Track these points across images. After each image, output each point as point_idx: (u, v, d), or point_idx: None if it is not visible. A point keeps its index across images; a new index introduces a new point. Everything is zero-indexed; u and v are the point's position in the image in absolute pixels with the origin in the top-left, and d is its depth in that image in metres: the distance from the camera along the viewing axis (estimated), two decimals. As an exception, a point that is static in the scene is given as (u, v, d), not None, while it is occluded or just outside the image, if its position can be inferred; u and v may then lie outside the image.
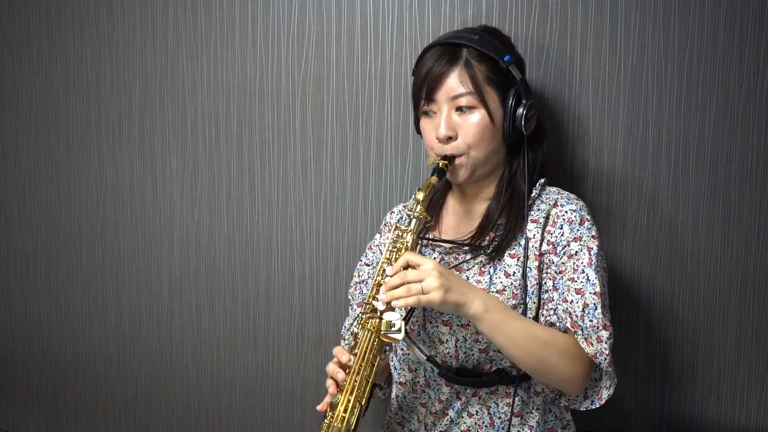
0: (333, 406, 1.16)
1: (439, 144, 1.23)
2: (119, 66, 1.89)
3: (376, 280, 1.19)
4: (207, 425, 1.93)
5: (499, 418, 1.24)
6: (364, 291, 1.40)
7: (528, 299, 1.20)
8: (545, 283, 1.21)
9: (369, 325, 1.16)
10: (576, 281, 1.18)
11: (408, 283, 1.09)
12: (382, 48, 1.61)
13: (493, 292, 1.20)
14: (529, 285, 1.20)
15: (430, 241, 1.30)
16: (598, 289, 1.16)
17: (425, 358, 1.22)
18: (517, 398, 1.24)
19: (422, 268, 1.10)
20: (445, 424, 1.28)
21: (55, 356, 2.11)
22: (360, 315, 1.20)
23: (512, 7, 1.48)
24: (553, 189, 1.28)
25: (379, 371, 1.22)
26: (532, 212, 1.24)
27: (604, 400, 1.18)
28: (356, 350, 1.17)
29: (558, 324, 1.18)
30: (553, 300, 1.19)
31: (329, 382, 1.18)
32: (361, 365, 1.16)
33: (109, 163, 1.95)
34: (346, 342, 1.42)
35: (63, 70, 1.97)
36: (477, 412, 1.25)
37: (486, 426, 1.25)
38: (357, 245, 1.70)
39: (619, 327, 1.50)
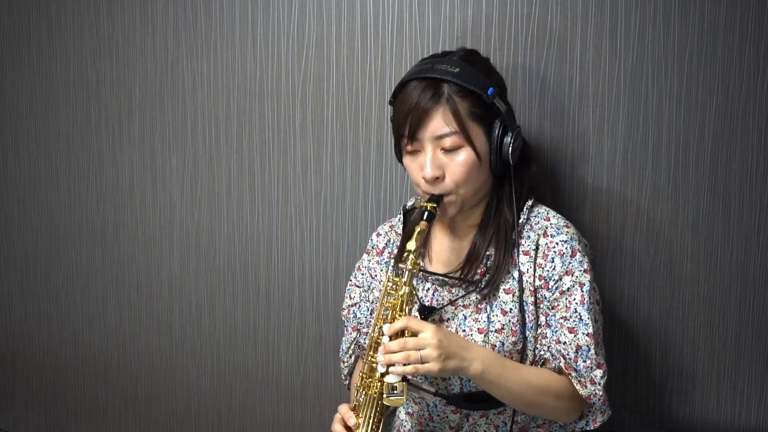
0: None
1: (426, 183, 1.20)
2: (119, 66, 1.89)
3: (373, 338, 1.19)
4: (207, 425, 1.93)
5: None
6: (357, 315, 1.40)
7: (528, 333, 1.21)
8: (538, 317, 1.22)
9: (371, 390, 1.18)
10: (569, 320, 1.18)
11: (407, 350, 1.09)
12: (382, 48, 1.60)
13: (492, 331, 1.20)
14: (527, 320, 1.21)
15: (422, 272, 1.29)
16: (591, 330, 1.17)
17: (433, 394, 1.23)
18: (522, 415, 1.26)
19: (422, 336, 1.10)
20: None
21: (55, 356, 2.11)
22: (360, 374, 1.22)
23: (512, 7, 1.48)
24: (542, 211, 1.27)
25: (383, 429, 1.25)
26: (522, 242, 1.23)
27: (598, 424, 1.21)
28: (361, 414, 1.20)
29: (552, 362, 1.19)
30: (547, 337, 1.20)
31: None
32: (366, 428, 1.19)
33: (109, 163, 1.95)
34: (345, 365, 1.45)
35: (63, 70, 1.97)
36: (485, 431, 1.26)
37: None
38: (357, 245, 1.70)
39: (618, 327, 1.50)
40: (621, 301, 1.50)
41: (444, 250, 1.31)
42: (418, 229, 1.15)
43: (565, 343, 1.18)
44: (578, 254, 1.20)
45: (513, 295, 1.21)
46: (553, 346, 1.19)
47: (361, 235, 1.69)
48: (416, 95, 1.17)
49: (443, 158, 1.18)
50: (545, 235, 1.22)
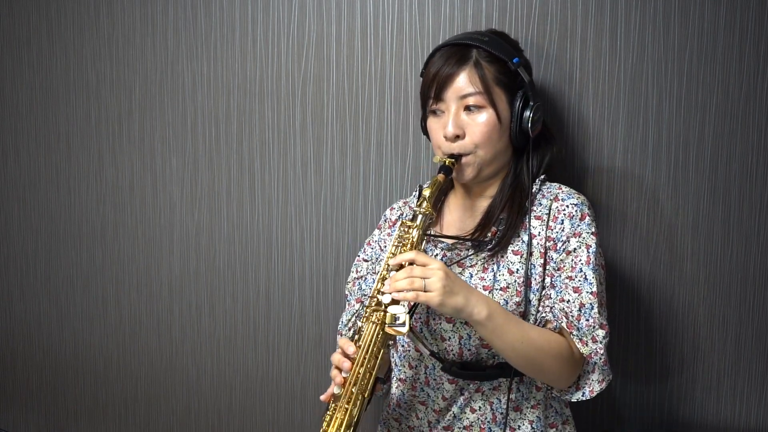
0: (336, 397, 1.17)
1: (446, 143, 1.24)
2: (119, 66, 1.89)
3: (381, 274, 1.20)
4: (207, 425, 1.93)
5: (502, 413, 1.25)
6: (363, 287, 1.40)
7: (532, 296, 1.21)
8: (544, 279, 1.22)
9: (373, 317, 1.17)
10: (574, 279, 1.19)
11: (413, 277, 1.10)
12: (382, 48, 1.61)
13: (497, 289, 1.21)
14: (533, 282, 1.22)
15: (432, 237, 1.31)
16: (595, 289, 1.18)
17: (429, 353, 1.23)
18: (518, 393, 1.25)
19: (429, 267, 1.11)
20: (449, 420, 1.28)
21: (55, 356, 2.11)
22: (365, 308, 1.21)
23: (512, 8, 1.48)
24: (554, 184, 1.29)
25: (381, 365, 1.23)
26: (535, 208, 1.25)
27: (595, 393, 1.20)
28: (360, 342, 1.17)
29: (554, 323, 1.19)
30: (551, 297, 1.21)
31: (334, 372, 1.19)
32: (365, 357, 1.16)
33: (109, 163, 1.95)
34: (344, 336, 1.42)
35: (63, 70, 1.97)
36: (480, 407, 1.26)
37: (489, 422, 1.26)
38: (357, 245, 1.70)
39: (618, 327, 1.50)
40: (621, 301, 1.50)
41: (456, 220, 1.33)
42: (434, 180, 1.20)
43: (568, 301, 1.19)
44: (587, 218, 1.22)
45: (521, 257, 1.22)
46: (556, 305, 1.20)
47: (361, 235, 1.69)
48: (444, 59, 1.23)
49: (465, 118, 1.23)
50: (557, 199, 1.25)
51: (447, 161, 1.23)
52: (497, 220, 1.26)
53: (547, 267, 1.22)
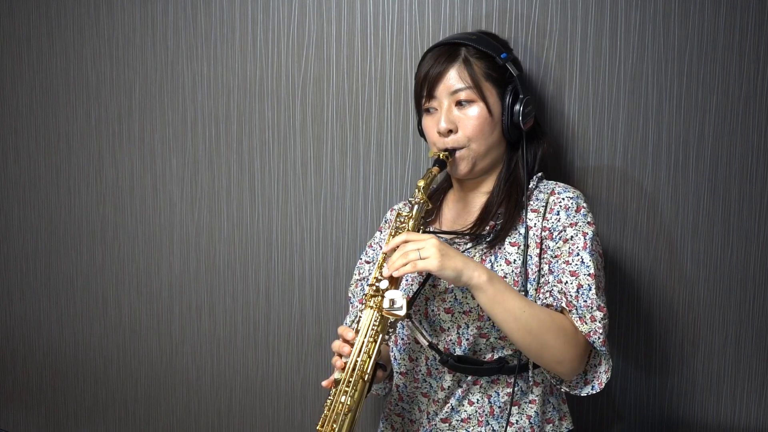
0: (337, 382, 1.17)
1: (440, 138, 1.26)
2: (119, 66, 1.89)
3: (379, 262, 1.21)
4: (207, 425, 1.93)
5: (500, 407, 1.25)
6: (366, 288, 1.40)
7: (529, 286, 1.22)
8: (542, 267, 1.23)
9: (371, 303, 1.18)
10: (571, 264, 1.20)
11: (407, 252, 1.12)
12: (382, 48, 1.61)
13: None
14: (530, 272, 1.22)
15: (431, 233, 1.31)
16: (592, 271, 1.18)
17: (427, 344, 1.23)
18: (516, 388, 1.25)
19: (421, 240, 1.13)
20: (446, 412, 1.28)
21: (55, 356, 2.11)
22: (363, 295, 1.22)
23: (512, 8, 1.48)
24: (551, 182, 1.31)
25: (380, 349, 1.23)
26: (532, 202, 1.26)
27: (603, 384, 1.20)
28: (359, 327, 1.18)
29: (554, 304, 1.20)
30: (549, 282, 1.21)
31: (335, 358, 1.20)
32: (363, 341, 1.17)
33: (109, 163, 1.95)
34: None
35: (63, 70, 1.97)
36: (478, 400, 1.26)
37: (486, 414, 1.26)
38: (357, 245, 1.70)
39: (618, 327, 1.50)
40: (621, 301, 1.50)
41: (454, 216, 1.35)
42: (428, 170, 1.22)
43: (566, 283, 1.19)
44: (583, 210, 1.23)
45: (518, 248, 1.24)
46: (555, 287, 1.20)
47: (361, 235, 1.69)
48: (434, 58, 1.27)
49: (457, 114, 1.25)
50: (553, 193, 1.26)
51: (441, 155, 1.25)
52: (495, 215, 1.27)
53: (545, 256, 1.23)
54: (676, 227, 1.45)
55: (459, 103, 1.25)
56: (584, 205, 1.24)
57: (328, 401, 1.18)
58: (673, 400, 1.50)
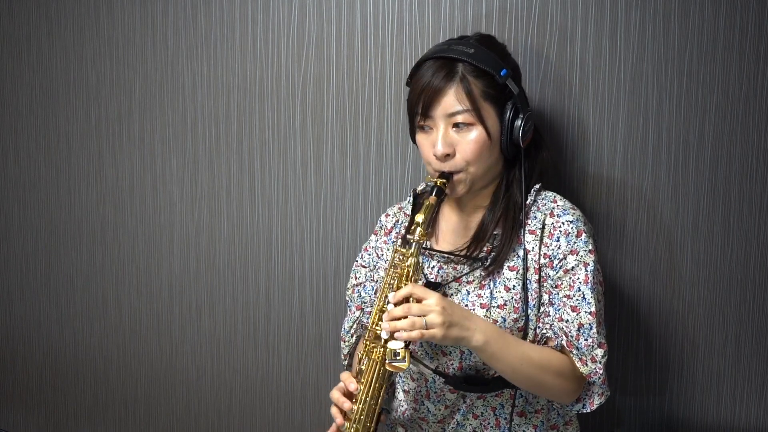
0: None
1: (436, 161, 1.22)
2: (119, 66, 1.89)
3: (378, 306, 1.20)
4: (207, 425, 1.93)
5: (505, 418, 1.25)
6: (362, 294, 1.41)
7: (530, 311, 1.21)
8: (541, 296, 1.22)
9: (374, 355, 1.18)
10: (572, 298, 1.19)
11: (411, 314, 1.09)
12: (382, 48, 1.60)
13: (494, 306, 1.21)
14: (530, 298, 1.21)
15: (428, 251, 1.30)
16: (593, 308, 1.17)
17: (433, 371, 1.23)
18: (521, 399, 1.25)
19: (426, 302, 1.11)
20: (452, 428, 1.28)
21: (55, 356, 2.11)
22: (364, 341, 1.21)
23: (512, 8, 1.48)
24: (549, 195, 1.28)
25: (383, 396, 1.24)
26: (529, 222, 1.24)
27: (595, 406, 1.21)
28: (363, 380, 1.19)
29: (554, 340, 1.20)
30: (549, 315, 1.20)
31: (335, 411, 1.21)
32: (367, 395, 1.18)
33: (109, 163, 1.95)
34: (346, 344, 1.44)
35: (63, 70, 1.97)
36: (482, 413, 1.26)
37: (492, 426, 1.26)
38: (357, 245, 1.70)
39: (619, 327, 1.50)
40: (621, 301, 1.50)
41: (451, 230, 1.32)
42: (426, 203, 1.18)
43: (567, 321, 1.18)
44: (584, 235, 1.21)
45: (517, 273, 1.22)
46: (555, 324, 1.19)
47: (361, 235, 1.69)
48: (430, 74, 1.20)
49: (455, 136, 1.20)
50: (552, 215, 1.23)
51: (438, 182, 1.20)
52: (491, 236, 1.24)
53: (545, 284, 1.21)
54: (676, 227, 1.45)
55: (456, 125, 1.20)
56: (584, 228, 1.22)
57: None
58: (673, 400, 1.50)
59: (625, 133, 1.45)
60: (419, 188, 1.39)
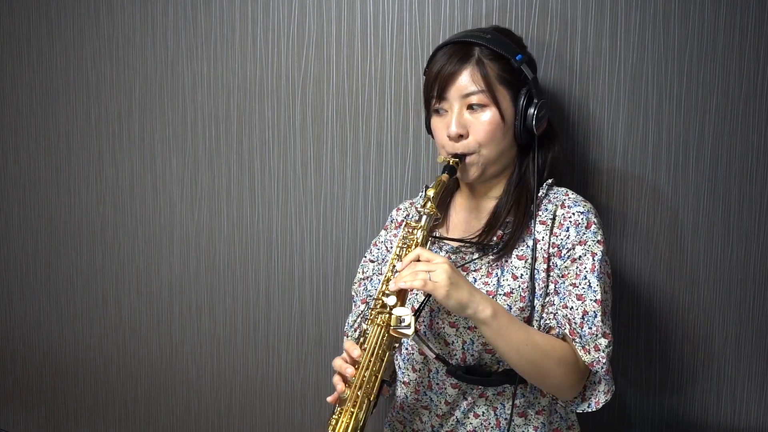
0: (341, 401, 1.16)
1: (450, 142, 1.23)
2: (119, 66, 1.89)
3: (386, 276, 1.19)
4: (207, 425, 1.93)
5: (506, 419, 1.24)
6: (368, 287, 1.40)
7: (536, 302, 1.20)
8: (548, 285, 1.21)
9: (378, 320, 1.15)
10: (578, 287, 1.17)
11: (417, 271, 1.09)
12: (382, 48, 1.61)
13: (501, 294, 1.20)
14: (537, 288, 1.20)
15: (438, 239, 1.30)
16: (599, 297, 1.16)
17: (434, 356, 1.22)
18: (522, 399, 1.24)
19: (433, 261, 1.10)
20: (452, 425, 1.28)
21: (55, 356, 2.11)
22: (370, 310, 1.20)
23: (512, 8, 1.48)
24: (562, 189, 1.28)
25: (387, 367, 1.22)
26: (540, 212, 1.24)
27: (601, 405, 1.19)
28: (365, 345, 1.16)
29: (557, 329, 1.18)
30: (554, 304, 1.19)
31: (336, 379, 1.18)
32: (370, 360, 1.15)
33: (109, 163, 1.95)
34: (350, 338, 1.42)
35: (63, 70, 1.97)
36: (483, 413, 1.25)
37: (492, 427, 1.25)
38: (357, 245, 1.70)
39: (619, 327, 1.50)
40: (621, 301, 1.50)
41: (462, 221, 1.32)
42: (438, 180, 1.19)
43: (572, 308, 1.17)
44: (593, 226, 1.20)
45: (525, 262, 1.21)
46: (559, 311, 1.18)
47: (361, 235, 1.69)
48: (446, 58, 1.22)
49: (469, 118, 1.22)
50: (563, 206, 1.23)
51: (451, 161, 1.21)
52: (503, 223, 1.24)
53: (551, 273, 1.21)
54: (676, 227, 1.45)
55: (470, 107, 1.21)
56: (595, 220, 1.21)
57: (333, 420, 1.16)
58: (673, 400, 1.50)
59: (625, 133, 1.45)
60: (431, 184, 1.39)
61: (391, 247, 1.39)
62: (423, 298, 1.25)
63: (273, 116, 1.74)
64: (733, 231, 1.43)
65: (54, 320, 2.09)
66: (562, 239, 1.20)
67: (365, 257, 1.45)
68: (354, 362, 1.16)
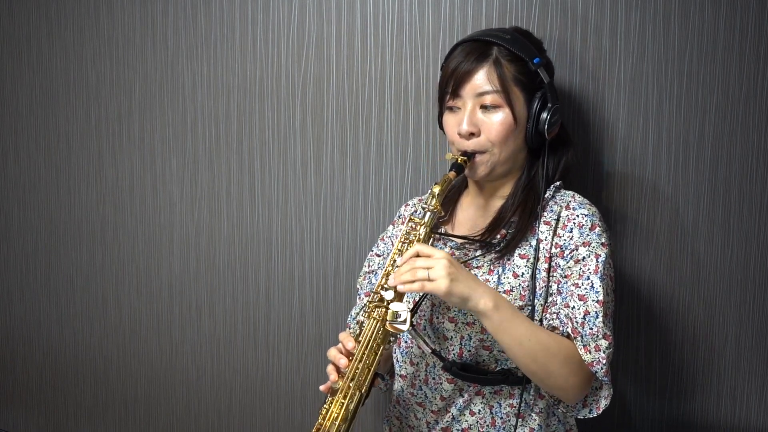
0: (333, 391, 1.16)
1: (460, 139, 1.23)
2: (119, 66, 1.89)
3: (386, 270, 1.19)
4: (207, 425, 1.93)
5: (501, 418, 1.24)
6: (373, 281, 1.41)
7: (536, 301, 1.20)
8: (550, 286, 1.20)
9: (375, 313, 1.16)
10: (580, 287, 1.17)
11: (415, 268, 1.09)
12: (382, 48, 1.61)
13: (500, 291, 1.20)
14: (537, 287, 1.20)
15: (442, 236, 1.30)
16: (601, 298, 1.16)
17: (430, 351, 1.22)
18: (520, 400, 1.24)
19: (433, 257, 1.10)
20: (447, 422, 1.27)
21: (55, 356, 2.11)
22: (367, 303, 1.20)
23: (512, 8, 1.48)
24: (569, 192, 1.27)
25: (383, 360, 1.23)
26: (545, 214, 1.23)
27: (601, 410, 1.19)
28: (360, 338, 1.17)
29: (560, 328, 1.18)
30: (557, 304, 1.19)
31: (330, 368, 1.18)
32: (364, 353, 1.16)
33: (109, 163, 1.95)
34: (352, 330, 1.42)
35: (63, 70, 1.97)
36: (480, 411, 1.25)
37: (488, 425, 1.25)
38: (357, 245, 1.70)
39: (619, 327, 1.50)
40: (621, 301, 1.50)
41: (468, 219, 1.33)
42: (444, 177, 1.19)
43: (573, 308, 1.16)
44: (598, 228, 1.20)
45: (527, 261, 1.21)
46: (562, 311, 1.18)
47: (361, 235, 1.69)
48: (464, 55, 1.22)
49: (481, 117, 1.22)
50: (567, 207, 1.23)
51: (459, 159, 1.22)
52: (507, 223, 1.24)
53: (554, 274, 1.20)
54: (676, 227, 1.45)
55: (484, 106, 1.21)
56: (599, 223, 1.21)
57: (324, 410, 1.17)
58: (673, 400, 1.50)
59: (625, 133, 1.45)
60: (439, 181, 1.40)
61: None
62: (422, 293, 1.24)
63: (273, 116, 1.74)
64: (733, 231, 1.43)
65: (54, 320, 2.09)
66: (565, 240, 1.20)
67: (372, 251, 1.45)
68: (348, 354, 1.17)
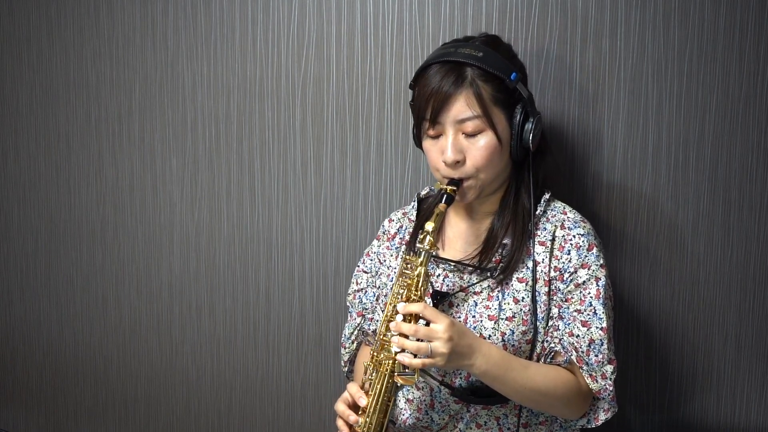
0: None
1: (445, 167, 1.19)
2: (119, 66, 1.89)
3: (386, 316, 1.18)
4: (207, 425, 1.93)
5: (508, 429, 1.24)
6: (363, 300, 1.40)
7: (539, 324, 1.20)
8: (551, 309, 1.21)
9: (382, 367, 1.16)
10: (583, 313, 1.18)
11: (418, 336, 1.09)
12: (382, 48, 1.60)
13: (503, 319, 1.20)
14: (539, 310, 1.20)
15: (436, 259, 1.28)
16: (605, 324, 1.17)
17: (438, 383, 1.22)
18: (525, 410, 1.25)
19: (434, 327, 1.09)
20: None
21: (55, 356, 2.11)
22: (372, 351, 1.20)
23: (512, 7, 1.48)
24: (559, 206, 1.26)
25: (392, 409, 1.24)
26: (539, 232, 1.22)
27: (600, 422, 1.21)
28: (370, 392, 1.18)
29: (564, 355, 1.19)
30: (559, 329, 1.19)
31: (341, 424, 1.20)
32: (375, 407, 1.17)
33: (109, 163, 1.95)
34: (347, 351, 1.44)
35: (63, 70, 1.97)
36: (486, 423, 1.25)
37: None
38: (357, 245, 1.70)
39: (619, 327, 1.50)
40: (621, 302, 1.50)
41: (458, 237, 1.30)
42: (436, 211, 1.16)
43: (578, 336, 1.17)
44: (595, 249, 1.20)
45: (526, 284, 1.20)
46: (565, 338, 1.18)
47: (361, 235, 1.69)
48: (438, 78, 1.16)
49: (464, 142, 1.18)
50: (562, 227, 1.22)
51: (448, 189, 1.18)
52: (500, 245, 1.23)
53: (554, 297, 1.20)
54: (676, 227, 1.45)
55: (466, 133, 1.18)
56: (596, 242, 1.21)
57: None
58: (673, 401, 1.50)
59: (625, 133, 1.45)
60: (423, 192, 1.38)
61: (384, 260, 1.37)
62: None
63: (273, 116, 1.74)
64: (733, 231, 1.43)
65: (54, 320, 2.09)
66: (563, 262, 1.20)
67: (358, 267, 1.44)
68: (357, 409, 1.19)
